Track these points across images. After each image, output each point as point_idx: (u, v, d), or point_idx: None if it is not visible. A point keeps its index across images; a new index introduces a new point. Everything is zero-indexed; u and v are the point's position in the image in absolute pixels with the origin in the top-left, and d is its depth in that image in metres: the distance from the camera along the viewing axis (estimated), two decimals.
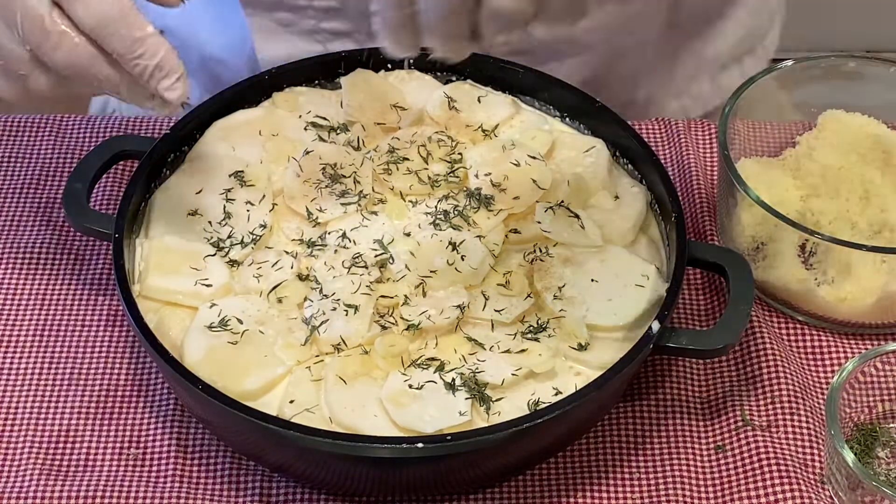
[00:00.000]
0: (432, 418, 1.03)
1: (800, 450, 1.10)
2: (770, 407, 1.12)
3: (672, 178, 1.19)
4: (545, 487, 1.09)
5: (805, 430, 1.11)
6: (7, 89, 1.07)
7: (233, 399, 1.02)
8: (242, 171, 1.18)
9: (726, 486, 1.09)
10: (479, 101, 1.24)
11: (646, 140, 1.21)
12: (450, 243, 1.13)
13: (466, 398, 1.04)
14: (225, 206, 1.16)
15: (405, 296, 1.10)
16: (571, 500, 1.09)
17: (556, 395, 1.05)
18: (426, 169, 1.19)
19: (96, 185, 1.22)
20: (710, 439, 1.12)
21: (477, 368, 1.06)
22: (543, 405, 1.03)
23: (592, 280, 1.11)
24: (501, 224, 1.15)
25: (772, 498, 1.07)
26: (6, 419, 1.13)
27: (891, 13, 2.44)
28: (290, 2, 1.32)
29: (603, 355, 1.07)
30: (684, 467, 1.10)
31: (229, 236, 1.14)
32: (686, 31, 1.43)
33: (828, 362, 1.17)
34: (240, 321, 1.08)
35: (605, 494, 1.09)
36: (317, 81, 1.25)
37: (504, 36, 1.31)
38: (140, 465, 1.10)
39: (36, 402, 1.14)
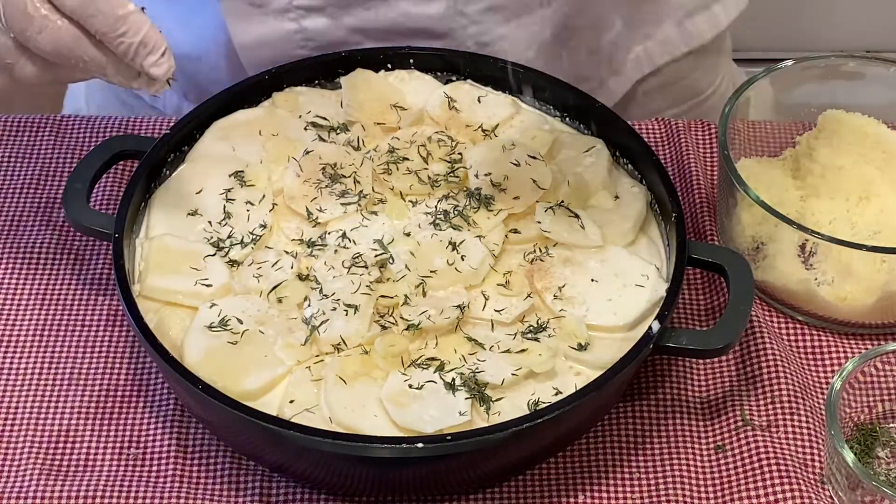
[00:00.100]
0: (432, 418, 1.03)
1: (800, 450, 1.10)
2: (770, 407, 1.12)
3: (672, 178, 1.19)
4: (545, 487, 1.09)
5: (805, 430, 1.11)
6: None
7: (233, 399, 1.02)
8: (242, 171, 1.18)
9: (726, 486, 1.09)
10: (479, 101, 1.24)
11: (646, 140, 1.21)
12: (450, 243, 1.13)
13: (466, 398, 1.04)
14: (225, 206, 1.16)
15: (405, 296, 1.10)
16: (571, 500, 1.09)
17: (556, 395, 1.05)
18: (426, 169, 1.19)
19: (96, 185, 1.22)
20: (710, 439, 1.12)
21: (477, 368, 1.06)
22: (543, 405, 1.03)
23: (592, 280, 1.11)
24: (501, 224, 1.15)
25: (772, 498, 1.07)
26: (6, 419, 1.13)
27: (891, 13, 2.44)
28: None
29: (603, 355, 1.07)
30: (684, 467, 1.10)
31: (229, 236, 1.14)
32: None
33: (828, 362, 1.17)
34: (240, 321, 1.08)
35: (605, 494, 1.09)
36: (317, 81, 1.25)
37: None
38: (140, 465, 1.10)
39: (36, 402, 1.14)
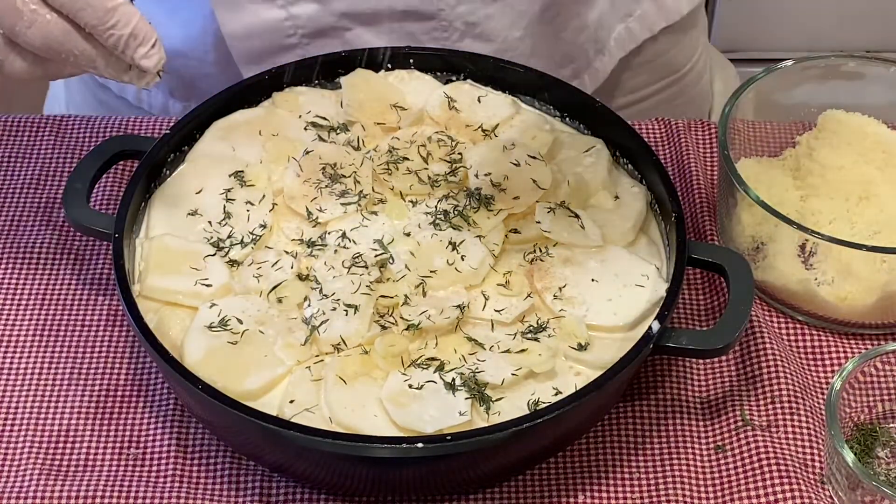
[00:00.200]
0: (432, 418, 1.03)
1: (800, 450, 1.10)
2: (770, 407, 1.12)
3: (672, 178, 1.19)
4: (545, 487, 1.09)
5: (805, 430, 1.11)
6: None
7: (233, 399, 1.02)
8: (242, 171, 1.18)
9: (726, 486, 1.09)
10: (479, 101, 1.24)
11: (646, 140, 1.21)
12: (450, 243, 1.13)
13: (466, 398, 1.04)
14: (225, 206, 1.16)
15: (405, 296, 1.10)
16: (571, 500, 1.09)
17: (556, 395, 1.05)
18: (426, 169, 1.19)
19: (96, 185, 1.22)
20: (710, 439, 1.12)
21: (477, 368, 1.06)
22: (543, 405, 1.03)
23: (592, 280, 1.11)
24: (501, 224, 1.15)
25: (772, 498, 1.07)
26: (6, 419, 1.13)
27: (891, 13, 2.44)
28: None
29: (603, 355, 1.07)
30: (684, 467, 1.10)
31: (229, 236, 1.14)
32: None
33: (828, 362, 1.17)
34: (240, 321, 1.08)
35: (605, 494, 1.09)
36: (317, 81, 1.25)
37: None
38: (140, 465, 1.10)
39: (36, 402, 1.14)
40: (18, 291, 1.21)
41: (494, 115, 1.23)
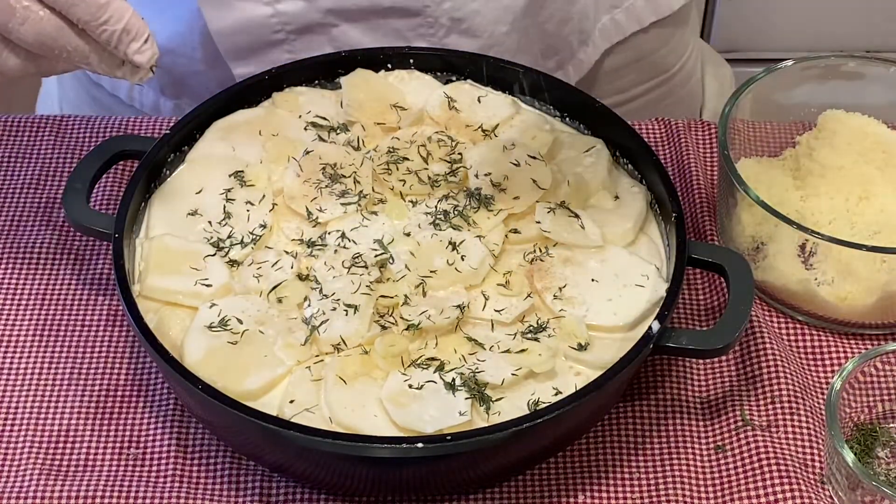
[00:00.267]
0: (432, 418, 1.03)
1: (800, 450, 1.10)
2: (770, 407, 1.12)
3: (672, 178, 1.19)
4: (545, 487, 1.09)
5: (805, 430, 1.11)
6: None
7: (233, 399, 1.02)
8: (242, 171, 1.18)
9: (726, 486, 1.09)
10: (479, 101, 1.24)
11: (646, 140, 1.21)
12: (450, 243, 1.13)
13: (466, 398, 1.04)
14: (225, 206, 1.16)
15: (405, 296, 1.10)
16: (571, 500, 1.09)
17: (556, 395, 1.05)
18: (426, 169, 1.19)
19: (96, 185, 1.22)
20: (710, 439, 1.12)
21: (477, 368, 1.06)
22: (543, 405, 1.03)
23: (592, 280, 1.11)
24: (501, 224, 1.15)
25: (772, 498, 1.07)
26: (6, 419, 1.13)
27: (891, 13, 2.44)
28: None
29: (603, 355, 1.07)
30: (684, 467, 1.10)
31: (229, 236, 1.14)
32: None
33: (828, 362, 1.17)
34: (240, 321, 1.08)
35: (605, 494, 1.09)
36: (317, 81, 1.25)
37: None
38: (140, 465, 1.10)
39: (36, 402, 1.14)
40: (18, 291, 1.21)
41: (494, 115, 1.23)
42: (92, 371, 1.16)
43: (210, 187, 1.17)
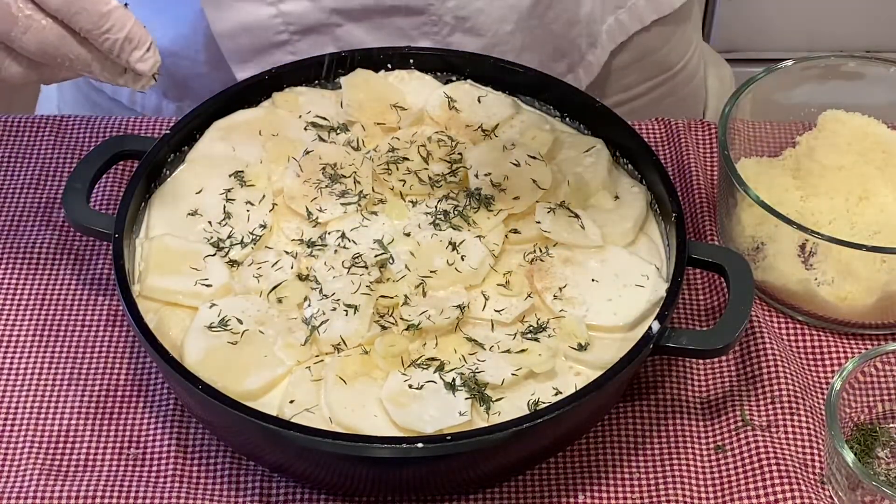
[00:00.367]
0: (432, 418, 1.03)
1: (800, 450, 1.10)
2: (770, 407, 1.12)
3: (672, 178, 1.19)
4: (545, 487, 1.09)
5: (805, 430, 1.11)
6: None
7: (233, 399, 1.02)
8: (242, 171, 1.18)
9: (726, 486, 1.09)
10: (479, 101, 1.24)
11: (646, 140, 1.21)
12: (450, 243, 1.13)
13: (466, 398, 1.04)
14: (225, 206, 1.16)
15: (405, 296, 1.10)
16: (571, 500, 1.09)
17: (556, 395, 1.05)
18: (426, 169, 1.19)
19: (96, 185, 1.22)
20: (710, 439, 1.12)
21: (477, 368, 1.06)
22: (543, 405, 1.03)
23: (592, 280, 1.11)
24: (501, 224, 1.15)
25: (772, 498, 1.07)
26: (6, 419, 1.13)
27: (891, 13, 2.44)
28: None
29: (603, 355, 1.07)
30: (684, 467, 1.10)
31: (229, 236, 1.14)
32: None
33: (828, 362, 1.17)
34: (240, 321, 1.08)
35: (605, 494, 1.09)
36: (317, 81, 1.25)
37: None
38: (140, 465, 1.10)
39: (36, 402, 1.14)
40: (18, 291, 1.21)
41: (494, 115, 1.23)
42: (92, 371, 1.16)
43: (210, 187, 1.17)
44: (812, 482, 1.08)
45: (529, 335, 1.08)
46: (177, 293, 1.10)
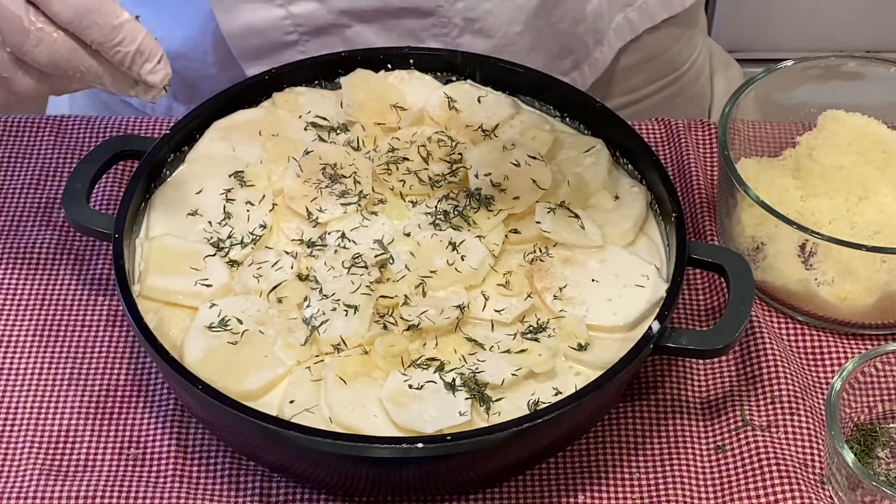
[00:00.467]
0: (432, 418, 1.03)
1: (800, 450, 1.10)
2: (770, 407, 1.12)
3: (672, 178, 1.19)
4: (545, 487, 1.09)
5: (805, 430, 1.11)
6: None
7: (233, 399, 1.02)
8: (242, 171, 1.18)
9: (726, 486, 1.09)
10: (479, 101, 1.24)
11: (646, 140, 1.21)
12: (450, 243, 1.13)
13: (466, 398, 1.04)
14: (225, 206, 1.16)
15: (405, 296, 1.10)
16: (571, 500, 1.09)
17: (556, 395, 1.05)
18: (426, 169, 1.19)
19: (96, 185, 1.22)
20: (710, 439, 1.12)
21: (477, 368, 1.06)
22: (543, 405, 1.03)
23: (592, 280, 1.11)
24: (501, 224, 1.15)
25: (772, 498, 1.07)
26: (6, 419, 1.13)
27: (891, 13, 2.44)
28: None
29: (603, 355, 1.07)
30: (684, 467, 1.10)
31: (229, 236, 1.14)
32: None
33: (828, 362, 1.17)
34: (240, 321, 1.08)
35: (605, 494, 1.09)
36: (317, 81, 1.25)
37: None
38: (140, 465, 1.10)
39: (36, 402, 1.14)
40: (18, 291, 1.21)
41: (494, 115, 1.23)
42: (92, 371, 1.16)
43: (210, 187, 1.17)
44: (812, 482, 1.08)
45: (529, 335, 1.08)
46: (177, 293, 1.10)
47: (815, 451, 1.10)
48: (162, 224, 1.15)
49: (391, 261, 1.12)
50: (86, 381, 1.16)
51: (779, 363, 1.15)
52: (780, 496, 1.07)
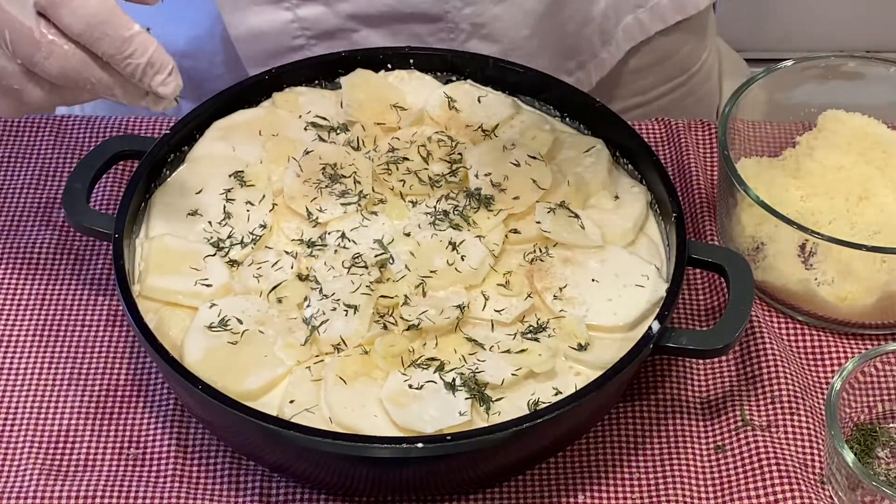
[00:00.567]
0: (432, 418, 1.03)
1: (800, 450, 1.10)
2: (770, 407, 1.12)
3: (672, 178, 1.19)
4: (545, 487, 1.09)
5: (805, 430, 1.11)
6: (1, 105, 1.07)
7: (233, 399, 1.02)
8: (242, 171, 1.18)
9: (726, 486, 1.09)
10: (479, 101, 1.24)
11: (646, 140, 1.21)
12: (450, 243, 1.13)
13: (466, 398, 1.04)
14: (225, 206, 1.16)
15: (405, 296, 1.10)
16: (571, 500, 1.09)
17: (556, 395, 1.05)
18: (426, 169, 1.19)
19: (96, 185, 1.22)
20: (710, 439, 1.12)
21: (477, 368, 1.06)
22: (543, 405, 1.03)
23: (592, 280, 1.11)
24: (501, 224, 1.15)
25: (772, 498, 1.07)
26: (6, 419, 1.13)
27: (891, 13, 2.44)
28: None
29: (603, 355, 1.07)
30: (684, 467, 1.10)
31: (229, 236, 1.14)
32: None
33: (828, 362, 1.17)
34: (240, 321, 1.08)
35: (605, 494, 1.09)
36: (317, 81, 1.25)
37: None
38: (140, 465, 1.10)
39: (36, 402, 1.14)
40: (18, 291, 1.21)
41: (494, 115, 1.23)
42: (92, 371, 1.16)
43: (210, 187, 1.17)
44: (812, 482, 1.08)
45: (529, 335, 1.08)
46: (177, 293, 1.10)
47: (815, 451, 1.10)
48: (162, 224, 1.15)
49: (391, 261, 1.12)
50: (86, 381, 1.16)
51: (779, 363, 1.15)
52: (780, 496, 1.07)
